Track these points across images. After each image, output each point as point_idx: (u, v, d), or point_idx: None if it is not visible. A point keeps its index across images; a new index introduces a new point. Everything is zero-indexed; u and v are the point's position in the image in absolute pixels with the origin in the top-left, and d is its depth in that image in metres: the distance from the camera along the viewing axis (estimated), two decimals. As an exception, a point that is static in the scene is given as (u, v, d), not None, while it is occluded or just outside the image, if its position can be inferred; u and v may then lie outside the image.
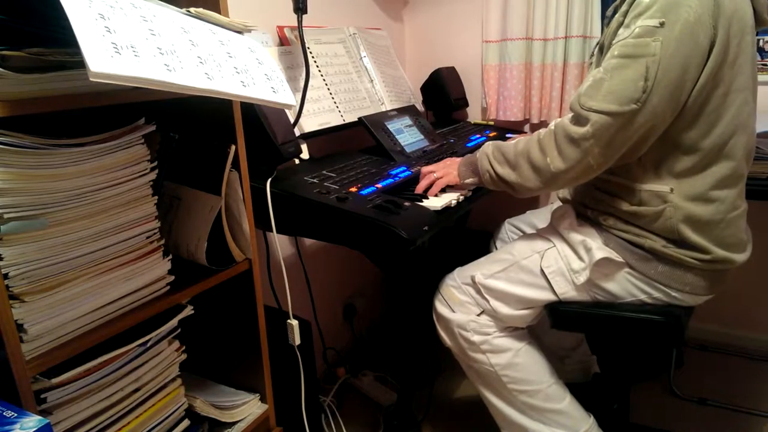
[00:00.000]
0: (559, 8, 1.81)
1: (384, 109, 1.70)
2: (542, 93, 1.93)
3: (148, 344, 0.87)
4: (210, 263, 0.95)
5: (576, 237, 1.17)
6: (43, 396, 0.73)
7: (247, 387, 1.11)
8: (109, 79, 0.57)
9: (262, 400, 1.11)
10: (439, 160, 1.39)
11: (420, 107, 1.98)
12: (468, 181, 1.26)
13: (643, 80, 0.97)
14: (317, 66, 1.53)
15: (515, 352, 1.25)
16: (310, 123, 1.42)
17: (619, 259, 1.13)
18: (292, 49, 1.45)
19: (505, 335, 1.25)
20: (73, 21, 0.57)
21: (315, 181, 1.24)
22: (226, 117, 0.95)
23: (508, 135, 1.85)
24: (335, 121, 1.50)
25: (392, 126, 1.55)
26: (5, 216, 0.66)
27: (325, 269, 1.86)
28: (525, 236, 1.35)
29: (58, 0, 0.57)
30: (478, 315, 1.26)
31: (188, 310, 0.92)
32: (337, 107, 1.53)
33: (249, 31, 0.89)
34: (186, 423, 0.97)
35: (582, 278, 1.14)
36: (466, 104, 2.07)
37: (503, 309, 1.22)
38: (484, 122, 2.09)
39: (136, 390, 0.87)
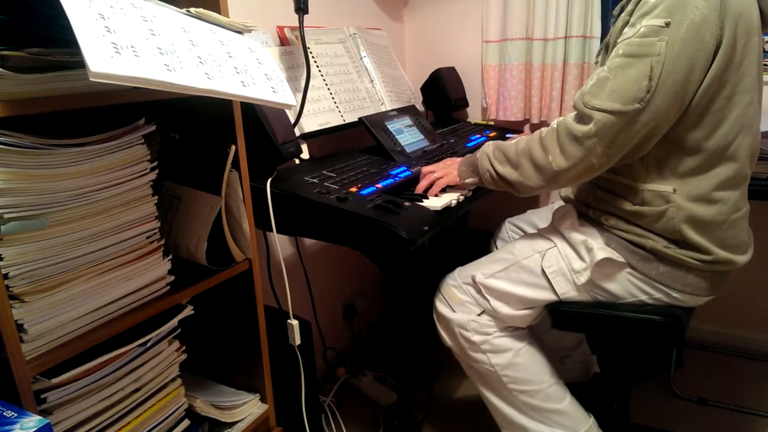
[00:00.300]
0: (559, 8, 1.81)
1: (384, 109, 1.70)
2: (542, 93, 1.93)
3: (148, 344, 0.87)
4: (210, 263, 0.95)
5: (577, 237, 1.17)
6: (43, 396, 0.72)
7: (247, 387, 1.11)
8: (109, 79, 0.57)
9: (262, 400, 1.11)
10: (439, 160, 1.39)
11: (420, 107, 1.98)
12: (468, 181, 1.26)
13: (648, 80, 0.97)
14: (317, 66, 1.53)
15: (515, 352, 1.25)
16: (310, 123, 1.42)
17: (621, 259, 1.13)
18: (293, 49, 1.45)
19: (506, 335, 1.25)
20: (73, 21, 0.57)
21: (315, 181, 1.24)
22: (226, 117, 0.95)
23: (508, 135, 1.85)
24: (335, 121, 1.50)
25: (392, 126, 1.55)
26: (5, 216, 0.66)
27: (325, 269, 1.86)
28: (526, 236, 1.35)
29: (58, 0, 0.57)
30: (479, 315, 1.26)
31: (188, 310, 0.92)
32: (337, 107, 1.53)
33: (249, 31, 0.89)
34: (186, 423, 0.97)
35: (583, 278, 1.14)
36: (466, 104, 2.07)
37: (504, 309, 1.22)
38: (484, 122, 2.09)
39: (136, 390, 0.87)
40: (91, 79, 0.56)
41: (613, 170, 1.10)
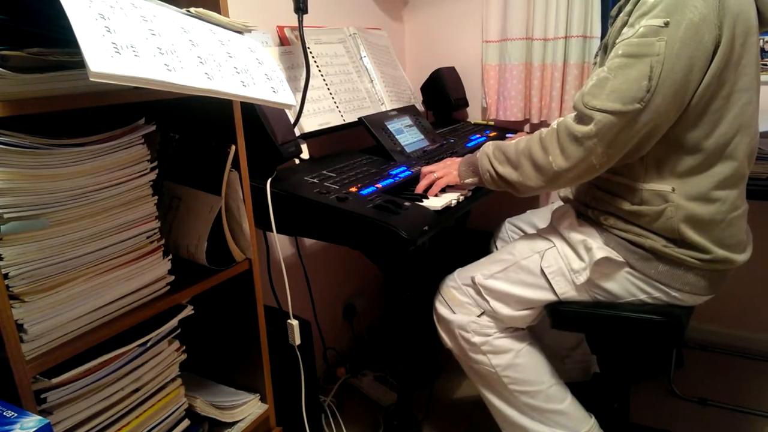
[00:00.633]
0: (559, 8, 1.81)
1: (384, 109, 1.70)
2: (542, 93, 1.93)
3: (148, 344, 0.87)
4: (210, 263, 0.95)
5: (576, 237, 1.17)
6: (43, 396, 0.72)
7: (247, 387, 1.11)
8: (109, 79, 0.57)
9: (262, 400, 1.11)
10: (439, 160, 1.39)
11: (420, 107, 1.98)
12: (468, 181, 1.26)
13: (647, 80, 0.97)
14: (317, 66, 1.53)
15: (516, 352, 1.25)
16: (310, 123, 1.42)
17: (620, 258, 1.13)
18: (293, 49, 1.45)
19: (506, 336, 1.25)
20: (73, 21, 0.57)
21: (315, 181, 1.24)
22: (226, 117, 0.95)
23: (508, 135, 1.85)
24: (335, 121, 1.50)
25: (392, 126, 1.55)
26: (5, 216, 0.66)
27: (325, 269, 1.86)
28: (525, 236, 1.35)
29: (58, 0, 0.57)
30: (479, 316, 1.25)
31: (188, 310, 0.92)
32: (337, 107, 1.53)
33: (249, 31, 0.89)
34: (186, 423, 0.97)
35: (582, 278, 1.14)
36: (466, 104, 2.07)
37: (503, 310, 1.22)
38: (484, 122, 2.09)
39: (136, 390, 0.87)
40: (91, 79, 0.56)
41: (612, 170, 1.10)
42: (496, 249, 1.57)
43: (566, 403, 1.26)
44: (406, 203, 1.15)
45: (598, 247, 1.13)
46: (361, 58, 1.72)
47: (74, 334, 0.75)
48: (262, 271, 1.20)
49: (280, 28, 1.51)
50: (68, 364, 0.74)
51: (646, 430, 1.57)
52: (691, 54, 0.97)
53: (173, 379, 0.93)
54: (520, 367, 1.24)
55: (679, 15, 0.96)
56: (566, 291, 1.18)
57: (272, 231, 1.14)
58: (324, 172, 1.30)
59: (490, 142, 1.23)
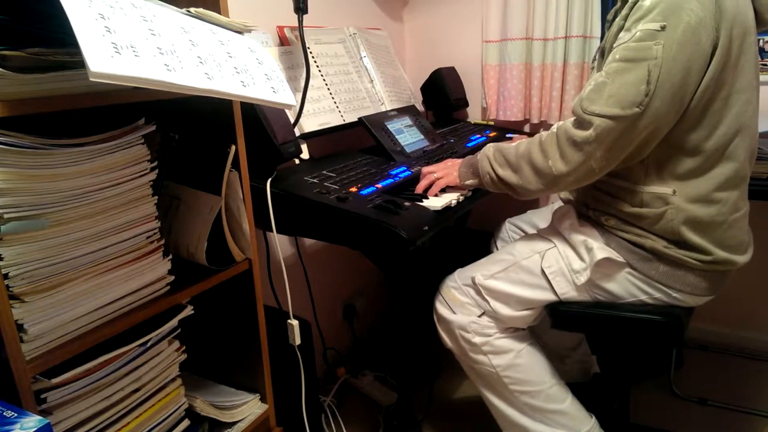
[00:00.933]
0: (559, 8, 1.81)
1: (384, 109, 1.69)
2: (542, 93, 1.93)
3: (148, 344, 0.87)
4: (210, 263, 0.95)
5: (577, 237, 1.17)
6: (43, 396, 0.72)
7: (247, 387, 1.11)
8: (109, 79, 0.57)
9: (262, 400, 1.11)
10: (439, 160, 1.39)
11: (420, 107, 1.98)
12: (468, 182, 1.26)
13: (645, 84, 0.97)
14: (317, 66, 1.53)
15: (516, 353, 1.25)
16: (310, 123, 1.42)
17: (620, 259, 1.13)
18: (292, 49, 1.45)
19: (506, 336, 1.25)
20: (73, 21, 0.57)
21: (315, 181, 1.24)
22: (226, 117, 0.95)
23: (508, 135, 1.85)
24: (335, 121, 1.50)
25: (392, 126, 1.55)
26: (5, 216, 0.66)
27: (325, 269, 1.86)
28: (525, 236, 1.35)
29: (58, 0, 0.57)
30: (479, 316, 1.25)
31: (188, 310, 0.92)
32: (337, 107, 1.53)
33: (249, 31, 0.89)
34: (186, 423, 0.97)
35: (583, 278, 1.14)
36: (466, 104, 2.07)
37: (504, 310, 1.22)
38: (484, 122, 2.08)
39: (136, 390, 0.87)
40: (91, 79, 0.56)
41: (612, 173, 1.10)
42: (497, 249, 1.57)
43: (567, 403, 1.26)
44: (406, 203, 1.15)
45: (599, 248, 1.13)
46: (361, 58, 1.72)
47: (74, 334, 0.75)
48: (262, 271, 1.20)
49: (280, 28, 1.51)
50: (68, 364, 0.74)
51: (646, 430, 1.57)
52: (689, 57, 0.97)
53: (173, 379, 0.93)
54: (521, 368, 1.24)
55: (676, 18, 0.96)
56: (567, 291, 1.18)
57: (272, 231, 1.14)
58: (324, 172, 1.30)
59: (491, 144, 1.23)
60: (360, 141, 1.57)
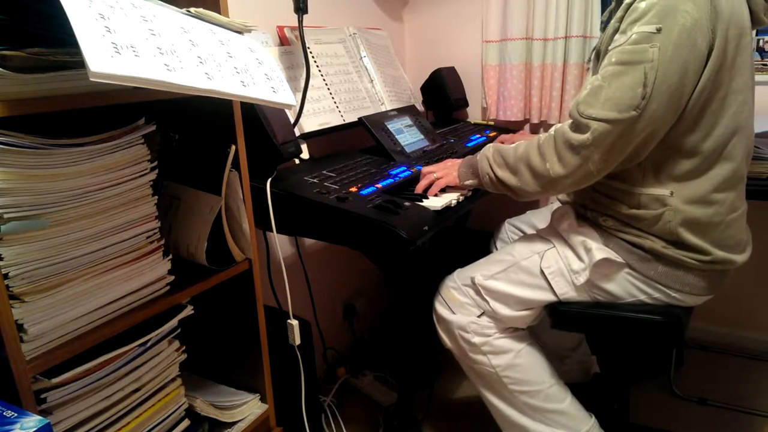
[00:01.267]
0: (559, 8, 1.81)
1: (384, 109, 1.70)
2: (542, 93, 1.93)
3: (148, 344, 0.87)
4: (210, 263, 0.95)
5: (576, 237, 1.17)
6: (43, 396, 0.72)
7: (247, 387, 1.11)
8: (109, 79, 0.57)
9: (262, 400, 1.11)
10: (439, 160, 1.39)
11: (420, 107, 1.98)
12: (468, 182, 1.26)
13: (642, 86, 0.97)
14: (317, 66, 1.53)
15: (516, 353, 1.25)
16: (310, 123, 1.42)
17: (619, 259, 1.13)
18: (292, 49, 1.45)
19: (506, 336, 1.25)
20: (73, 21, 0.57)
21: (315, 181, 1.24)
22: (226, 117, 0.95)
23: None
24: (335, 121, 1.50)
25: (392, 126, 1.55)
26: (5, 216, 0.66)
27: (325, 269, 1.86)
28: (525, 237, 1.35)
29: (58, 0, 0.57)
30: (479, 316, 1.25)
31: (188, 310, 0.92)
32: (337, 107, 1.53)
33: (249, 31, 0.89)
34: (186, 423, 0.97)
35: (582, 279, 1.14)
36: (466, 104, 2.07)
37: (503, 310, 1.22)
38: (484, 122, 2.09)
39: (136, 390, 0.87)
40: (91, 79, 0.56)
41: (609, 175, 1.10)
42: (496, 249, 1.57)
43: (566, 402, 1.26)
44: (406, 203, 1.15)
45: (598, 248, 1.13)
46: (361, 58, 1.72)
47: (74, 334, 0.75)
48: (262, 271, 1.20)
49: (280, 28, 1.51)
50: (68, 364, 0.74)
51: (646, 430, 1.57)
52: (685, 59, 0.97)
53: (173, 379, 0.93)
54: (520, 368, 1.24)
55: (671, 20, 0.96)
56: (566, 291, 1.18)
57: (272, 231, 1.14)
58: (324, 172, 1.30)
59: (491, 144, 1.23)
60: (360, 141, 1.57)
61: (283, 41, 1.51)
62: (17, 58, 0.62)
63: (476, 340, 1.25)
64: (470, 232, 1.89)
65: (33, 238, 0.69)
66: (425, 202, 1.20)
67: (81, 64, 0.57)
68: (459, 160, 1.30)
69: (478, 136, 1.81)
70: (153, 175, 0.84)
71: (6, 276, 0.66)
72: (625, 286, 1.15)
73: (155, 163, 0.83)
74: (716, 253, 1.09)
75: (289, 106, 0.90)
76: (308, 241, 1.77)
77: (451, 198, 1.22)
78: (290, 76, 1.40)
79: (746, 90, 1.06)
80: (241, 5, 1.38)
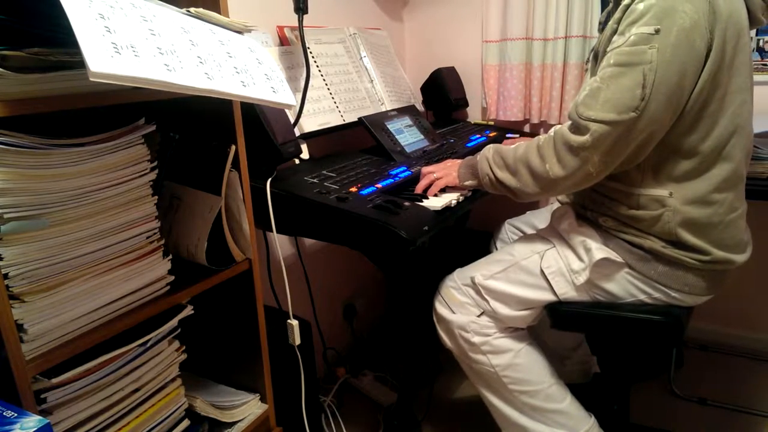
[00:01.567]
0: (559, 8, 1.81)
1: (384, 109, 1.70)
2: (542, 93, 1.93)
3: (148, 344, 0.87)
4: (210, 263, 0.95)
5: (576, 237, 1.17)
6: (43, 396, 0.73)
7: (247, 387, 1.11)
8: (109, 79, 0.57)
9: (262, 400, 1.11)
10: (439, 160, 1.39)
11: (420, 107, 1.98)
12: (468, 183, 1.26)
13: (641, 88, 0.97)
14: (317, 66, 1.53)
15: (516, 352, 1.25)
16: (310, 123, 1.42)
17: (619, 259, 1.13)
18: (293, 49, 1.45)
19: (506, 336, 1.25)
20: (73, 21, 0.57)
21: (315, 181, 1.24)
22: (226, 117, 0.95)
23: (508, 135, 1.85)
24: (335, 121, 1.50)
25: (392, 126, 1.55)
26: (5, 216, 0.66)
27: (325, 269, 1.86)
28: (525, 237, 1.35)
29: (58, 0, 0.57)
30: (478, 316, 1.25)
31: (188, 310, 0.92)
32: (337, 107, 1.53)
33: (249, 31, 0.89)
34: (186, 423, 0.97)
35: (582, 278, 1.14)
36: (466, 104, 2.07)
37: (503, 310, 1.22)
38: (484, 122, 2.08)
39: (136, 390, 0.87)
40: (91, 79, 0.56)
41: (609, 176, 1.10)
42: (496, 250, 1.57)
43: (566, 402, 1.26)
44: (406, 203, 1.15)
45: (598, 248, 1.13)
46: (361, 58, 1.72)
47: (74, 334, 0.75)
48: (262, 271, 1.20)
49: (280, 28, 1.51)
50: (68, 364, 0.74)
51: (646, 430, 1.57)
52: (684, 59, 0.97)
53: (173, 379, 0.93)
54: (520, 367, 1.24)
55: (669, 21, 0.96)
56: (566, 291, 1.18)
57: (272, 231, 1.14)
58: (324, 172, 1.30)
59: (491, 145, 1.23)
60: (360, 141, 1.57)
61: (283, 41, 1.51)
62: (17, 58, 0.62)
63: (476, 339, 1.25)
64: (470, 232, 1.89)
65: (33, 238, 0.69)
66: (425, 202, 1.20)
67: (81, 64, 0.57)
68: (459, 161, 1.30)
69: (478, 136, 1.81)
70: (153, 175, 0.84)
71: (6, 276, 0.66)
72: (625, 286, 1.15)
73: (155, 163, 0.84)
74: (716, 253, 1.08)
75: (289, 106, 0.90)
76: (308, 241, 1.77)
77: (450, 198, 1.22)
78: (290, 76, 1.40)
79: (745, 90, 1.06)
80: (241, 5, 1.38)
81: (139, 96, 0.78)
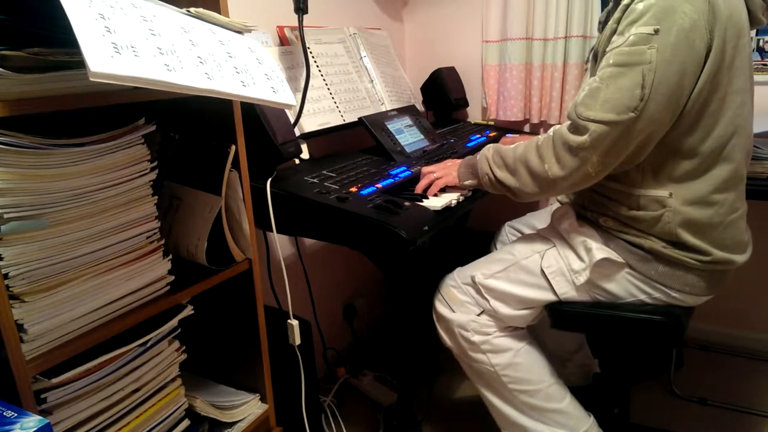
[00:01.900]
0: (559, 8, 1.81)
1: (384, 109, 1.70)
2: (542, 93, 1.93)
3: (148, 344, 0.87)
4: (210, 263, 0.95)
5: (576, 237, 1.17)
6: (43, 396, 0.72)
7: (247, 387, 1.11)
8: (109, 79, 0.57)
9: (262, 400, 1.11)
10: (439, 160, 1.39)
11: (420, 107, 1.98)
12: (467, 182, 1.26)
13: (640, 88, 0.97)
14: (317, 66, 1.53)
15: (515, 351, 1.25)
16: (310, 123, 1.42)
17: (620, 259, 1.13)
18: (293, 49, 1.45)
19: (506, 335, 1.25)
20: (73, 21, 0.57)
21: (315, 181, 1.24)
22: (226, 117, 0.95)
23: (508, 135, 1.85)
24: (335, 121, 1.50)
25: (392, 126, 1.55)
26: (5, 216, 0.66)
27: (325, 269, 1.86)
28: (525, 236, 1.35)
29: (58, 0, 0.57)
30: (478, 315, 1.26)
31: (188, 310, 0.92)
32: (337, 107, 1.53)
33: (249, 31, 0.89)
34: (186, 423, 0.97)
35: (582, 278, 1.14)
36: (466, 104, 2.07)
37: (503, 309, 1.22)
38: (484, 122, 2.09)
39: (136, 390, 0.87)
40: (91, 79, 0.56)
41: (608, 176, 1.10)
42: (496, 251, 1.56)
43: (565, 402, 1.26)
44: (406, 203, 1.15)
45: (598, 248, 1.13)
46: (361, 58, 1.72)
47: (74, 334, 0.75)
48: (262, 271, 1.20)
49: (280, 28, 1.51)
50: (68, 364, 0.74)
51: (646, 430, 1.57)
52: (683, 60, 0.97)
53: (173, 379, 0.93)
54: (520, 366, 1.24)
55: (669, 21, 0.96)
56: (566, 291, 1.18)
57: (272, 231, 1.14)
58: (324, 172, 1.30)
59: (491, 145, 1.23)
60: (360, 141, 1.57)
61: (283, 41, 1.51)
62: (17, 58, 0.62)
63: (476, 338, 1.25)
64: (470, 232, 1.89)
65: (33, 238, 0.69)
66: (425, 202, 1.20)
67: (81, 64, 0.57)
68: (459, 161, 1.30)
69: (478, 136, 1.81)
70: (153, 175, 0.84)
71: (6, 276, 0.66)
72: (625, 286, 1.15)
73: (155, 163, 0.83)
74: (716, 253, 1.08)
75: (289, 106, 0.90)
76: (308, 241, 1.77)
77: (450, 198, 1.22)
78: (290, 76, 1.40)
79: (745, 90, 1.06)
80: (241, 5, 1.38)
81: (139, 96, 0.78)
